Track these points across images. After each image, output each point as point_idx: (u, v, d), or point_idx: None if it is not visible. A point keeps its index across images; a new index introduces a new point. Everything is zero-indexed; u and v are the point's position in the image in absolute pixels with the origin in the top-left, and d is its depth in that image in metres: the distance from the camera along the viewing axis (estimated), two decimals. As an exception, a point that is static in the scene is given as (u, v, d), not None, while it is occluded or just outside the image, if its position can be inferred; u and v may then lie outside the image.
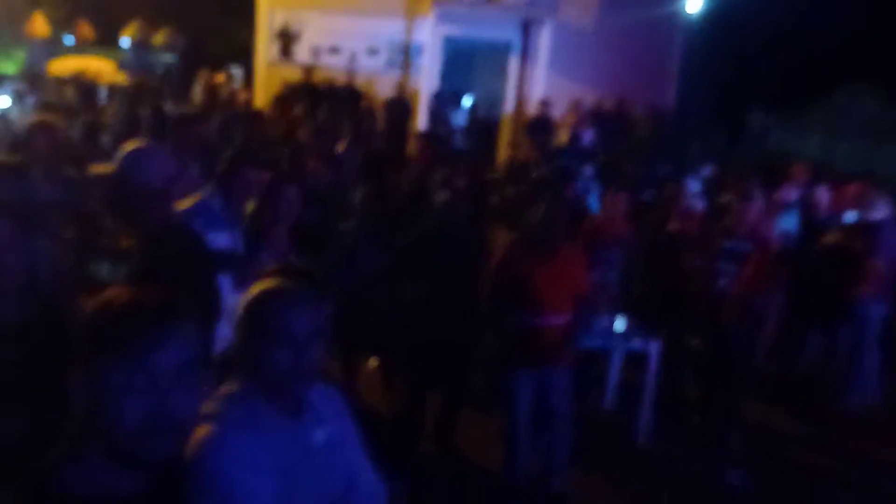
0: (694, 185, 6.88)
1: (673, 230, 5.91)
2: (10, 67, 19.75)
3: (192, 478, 1.55)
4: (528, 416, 4.56)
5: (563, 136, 13.11)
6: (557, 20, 14.63)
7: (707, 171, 8.95)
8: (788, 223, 7.13)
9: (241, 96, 14.55)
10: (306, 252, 4.54)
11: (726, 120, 15.83)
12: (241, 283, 3.62)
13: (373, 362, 5.77)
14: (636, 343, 5.38)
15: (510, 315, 4.47)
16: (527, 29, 15.18)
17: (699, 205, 6.45)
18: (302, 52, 15.22)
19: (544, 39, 14.68)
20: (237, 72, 16.05)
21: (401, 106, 13.71)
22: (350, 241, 5.28)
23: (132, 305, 1.36)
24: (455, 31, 14.96)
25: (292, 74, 14.38)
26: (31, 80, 11.60)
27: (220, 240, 3.72)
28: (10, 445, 1.97)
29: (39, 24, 17.71)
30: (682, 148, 12.36)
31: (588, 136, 12.78)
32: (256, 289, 1.88)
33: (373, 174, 6.19)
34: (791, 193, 7.55)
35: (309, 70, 14.28)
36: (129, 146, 3.37)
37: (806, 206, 7.41)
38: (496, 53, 15.51)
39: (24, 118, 7.59)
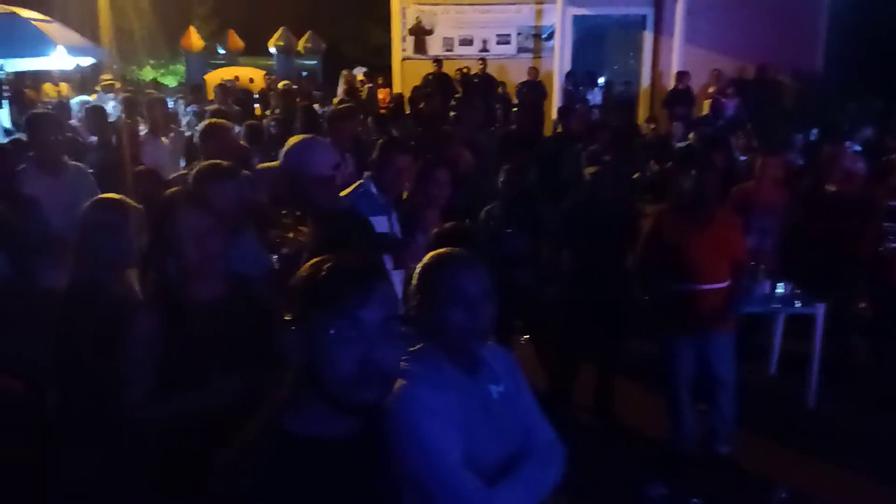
0: (853, 147, 6.56)
1: (832, 192, 5.66)
2: (170, 80, 21.29)
3: (392, 426, 1.70)
4: (691, 384, 4.54)
5: (704, 107, 12.74)
6: (691, -9, 14.20)
7: (867, 132, 8.51)
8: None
9: (381, 93, 15.04)
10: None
11: (882, 80, 14.77)
12: (399, 262, 3.84)
13: (524, 336, 5.88)
14: (800, 308, 5.22)
15: (666, 283, 4.46)
16: (659, 2, 14.83)
17: (860, 166, 6.13)
18: (435, 46, 15.56)
19: (679, 11, 14.28)
20: (358, 71, 16.65)
21: (535, 88, 13.74)
22: (495, 221, 5.40)
23: (341, 268, 1.51)
24: (584, 10, 14.83)
25: (426, 68, 14.74)
26: (192, 91, 12.49)
27: (378, 224, 3.93)
28: (229, 402, 2.24)
29: (194, 39, 18.99)
30: (832, 112, 11.70)
31: (731, 106, 12.34)
32: (430, 256, 2.03)
33: (512, 155, 6.30)
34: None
35: (440, 62, 14.56)
36: (293, 140, 3.64)
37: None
38: (628, 29, 15.26)
39: (191, 125, 8.25)
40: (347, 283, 1.49)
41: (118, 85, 12.11)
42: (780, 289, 5.22)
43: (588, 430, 5.09)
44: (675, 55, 14.39)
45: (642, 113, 14.82)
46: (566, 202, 5.20)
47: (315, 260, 1.55)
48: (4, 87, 7.84)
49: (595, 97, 13.91)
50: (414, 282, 2.03)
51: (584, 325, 5.01)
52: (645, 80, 15.35)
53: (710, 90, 13.61)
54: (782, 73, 13.76)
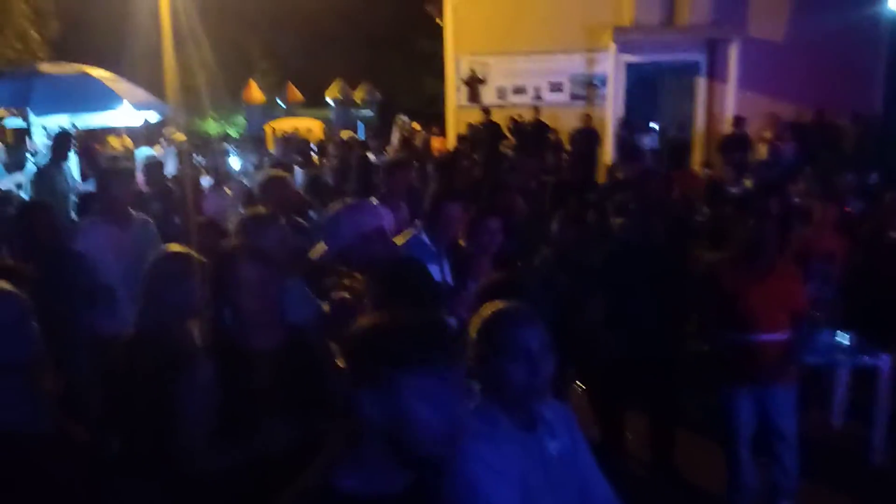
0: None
1: (894, 238, 5.53)
2: (232, 131, 21.99)
3: (448, 481, 1.70)
4: (751, 436, 4.42)
5: (760, 152, 12.59)
6: (745, 36, 14.16)
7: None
8: None
9: (435, 142, 15.28)
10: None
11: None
12: (452, 311, 3.86)
13: (578, 386, 5.82)
14: (864, 358, 5.06)
15: (723, 333, 4.38)
16: (712, 48, 14.81)
17: (924, 212, 5.98)
18: (488, 95, 15.79)
19: (732, 56, 14.23)
20: (403, 119, 16.98)
21: (588, 135, 13.78)
22: (546, 269, 5.39)
23: (422, 328, 1.52)
24: (637, 57, 14.89)
25: (480, 116, 14.93)
26: (253, 141, 12.86)
27: (431, 272, 3.98)
28: (282, 452, 2.28)
29: (254, 92, 19.63)
30: (892, 155, 11.43)
31: (789, 150, 12.18)
32: (488, 310, 2.04)
33: (565, 203, 6.30)
34: None
35: (488, 110, 14.73)
36: (337, 208, 3.73)
37: None
38: (681, 75, 15.25)
39: (250, 175, 8.50)
40: (433, 344, 1.49)
41: (182, 137, 12.54)
42: (843, 339, 5.08)
43: (645, 483, 4.97)
44: (729, 100, 14.32)
45: (697, 158, 14.72)
46: (605, 249, 5.16)
47: (386, 317, 1.56)
48: (74, 142, 8.23)
49: (649, 143, 13.88)
50: (472, 335, 2.04)
51: (631, 374, 4.92)
52: (699, 126, 15.27)
53: (767, 135, 13.45)
54: (840, 117, 13.52)
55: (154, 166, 7.58)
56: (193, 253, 3.10)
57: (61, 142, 7.77)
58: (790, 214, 6.78)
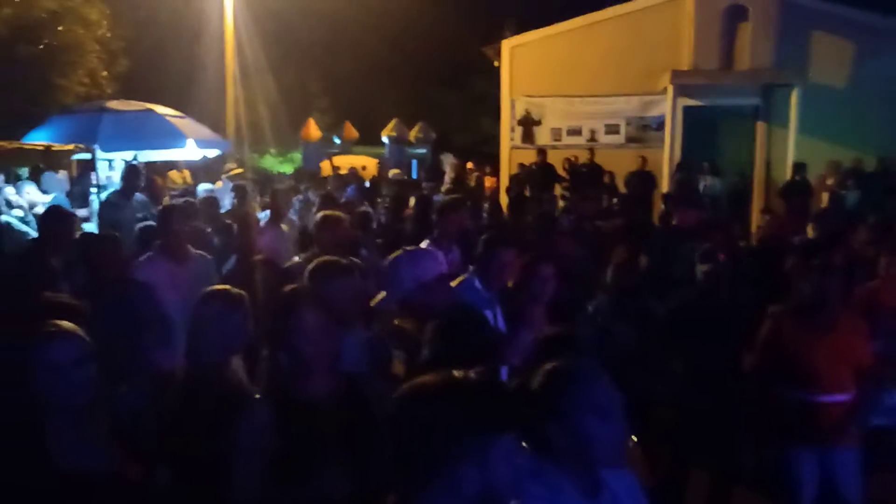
0: None
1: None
2: (287, 167, 22.43)
3: None
4: (812, 499, 4.23)
5: (822, 199, 12.30)
6: (805, 82, 13.97)
7: None
8: None
9: (488, 182, 15.31)
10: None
11: None
12: (505, 360, 3.81)
13: (632, 437, 5.67)
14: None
15: (784, 391, 4.23)
16: (771, 92, 14.63)
17: None
18: (543, 136, 15.81)
19: (792, 101, 14.03)
20: (445, 157, 17.08)
21: (644, 178, 13.66)
22: (603, 318, 5.29)
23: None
24: (695, 101, 14.79)
25: (534, 157, 14.94)
26: (308, 178, 13.06)
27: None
28: (335, 499, 2.25)
29: (312, 129, 20.02)
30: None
31: (852, 198, 11.87)
32: (557, 368, 1.99)
33: (621, 248, 6.21)
34: None
35: (544, 152, 14.72)
36: (396, 256, 3.73)
37: None
38: (739, 119, 15.07)
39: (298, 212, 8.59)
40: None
41: (241, 171, 12.82)
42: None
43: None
44: (789, 145, 14.08)
45: (756, 204, 14.46)
46: (674, 300, 5.05)
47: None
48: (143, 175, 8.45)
49: (707, 187, 13.68)
50: (538, 391, 1.96)
51: (695, 429, 4.78)
52: (758, 171, 15.04)
53: (829, 182, 13.16)
54: (903, 165, 13.20)
55: (209, 202, 7.70)
56: (236, 291, 3.12)
57: (131, 175, 7.93)
58: (854, 266, 6.57)
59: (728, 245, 6.24)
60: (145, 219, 6.85)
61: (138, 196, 7.82)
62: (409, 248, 3.74)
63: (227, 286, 3.17)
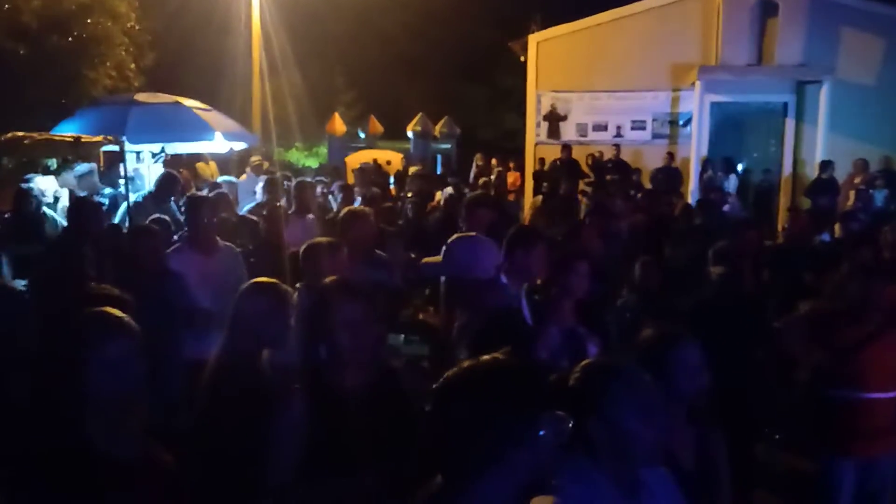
0: None
1: None
2: (312, 161, 22.51)
3: None
4: None
5: (850, 198, 12.15)
6: (835, 78, 13.79)
7: None
8: None
9: (511, 177, 15.27)
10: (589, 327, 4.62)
11: None
12: (534, 355, 3.80)
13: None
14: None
15: (833, 390, 4.16)
16: (801, 89, 14.48)
17: None
18: (569, 131, 15.73)
19: (822, 98, 13.87)
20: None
21: (671, 174, 13.56)
22: (632, 316, 5.27)
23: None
24: (723, 97, 14.66)
25: (559, 153, 14.88)
26: (333, 172, 13.07)
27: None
28: (367, 495, 2.27)
29: (337, 124, 20.08)
30: None
31: (880, 198, 11.71)
32: (592, 364, 2.01)
33: (649, 246, 6.19)
34: None
35: (569, 147, 14.64)
36: (457, 240, 3.64)
37: None
38: (768, 116, 14.95)
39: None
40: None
41: (266, 165, 12.85)
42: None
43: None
44: (818, 143, 13.92)
45: (783, 202, 14.33)
46: (689, 301, 5.01)
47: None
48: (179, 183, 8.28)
49: (732, 184, 13.56)
50: (579, 391, 1.95)
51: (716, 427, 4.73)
52: (786, 169, 14.89)
53: (857, 180, 13.00)
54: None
55: (220, 197, 7.54)
56: (281, 286, 3.15)
57: (168, 181, 7.77)
58: (882, 267, 6.49)
59: (751, 245, 6.18)
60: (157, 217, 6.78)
61: (172, 204, 7.68)
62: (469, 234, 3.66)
63: (275, 280, 3.20)
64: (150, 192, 8.05)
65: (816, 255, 6.52)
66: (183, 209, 6.55)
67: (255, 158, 12.77)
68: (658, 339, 2.50)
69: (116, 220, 7.66)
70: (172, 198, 7.71)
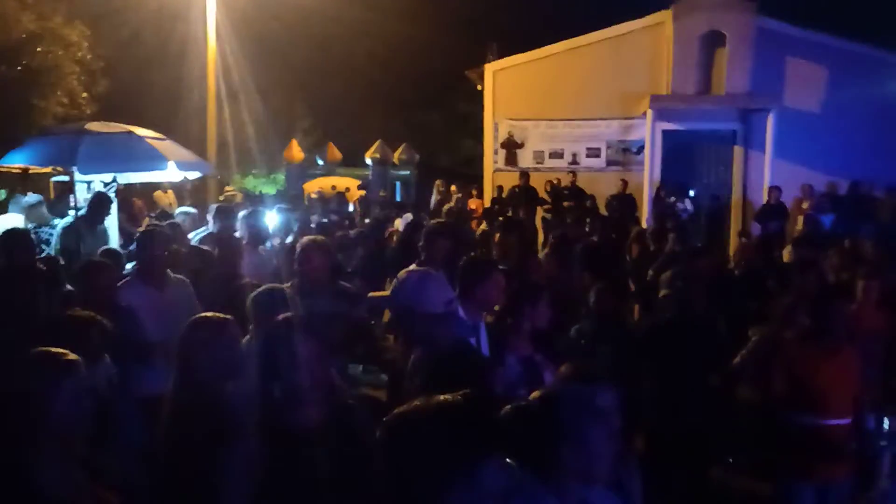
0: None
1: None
2: (270, 189, 22.36)
3: None
4: None
5: (798, 223, 12.47)
6: (781, 107, 14.21)
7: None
8: None
9: (473, 204, 15.39)
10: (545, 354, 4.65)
11: None
12: (491, 387, 3.79)
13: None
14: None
15: (791, 416, 4.23)
16: (748, 117, 14.87)
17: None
18: (526, 159, 15.95)
19: (769, 126, 14.27)
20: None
21: (624, 201, 13.78)
22: (586, 340, 5.32)
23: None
24: (674, 125, 15.00)
25: (517, 179, 15.03)
26: (291, 200, 13.01)
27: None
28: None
29: (295, 151, 20.00)
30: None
31: (828, 222, 12.04)
32: (569, 386, 2.04)
33: (599, 270, 6.26)
34: None
35: (527, 174, 14.84)
36: (406, 274, 3.64)
37: None
38: (717, 143, 15.32)
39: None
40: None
41: (240, 197, 12.73)
42: (886, 424, 4.88)
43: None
44: (766, 169, 14.29)
45: (734, 226, 14.64)
46: (647, 322, 5.09)
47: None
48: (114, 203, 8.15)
49: (685, 209, 13.81)
50: (545, 417, 1.96)
51: (670, 450, 4.77)
52: (735, 194, 15.24)
53: (804, 205, 13.37)
54: (876, 189, 13.48)
55: (174, 227, 7.40)
56: (223, 318, 3.11)
57: (99, 204, 7.66)
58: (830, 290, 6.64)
59: (705, 272, 6.29)
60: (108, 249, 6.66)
61: (109, 225, 7.56)
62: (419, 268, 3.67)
63: (211, 313, 3.17)
64: (81, 215, 7.89)
65: (763, 281, 6.64)
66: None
67: (228, 188, 12.63)
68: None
69: (51, 246, 7.48)
70: (104, 220, 7.57)
